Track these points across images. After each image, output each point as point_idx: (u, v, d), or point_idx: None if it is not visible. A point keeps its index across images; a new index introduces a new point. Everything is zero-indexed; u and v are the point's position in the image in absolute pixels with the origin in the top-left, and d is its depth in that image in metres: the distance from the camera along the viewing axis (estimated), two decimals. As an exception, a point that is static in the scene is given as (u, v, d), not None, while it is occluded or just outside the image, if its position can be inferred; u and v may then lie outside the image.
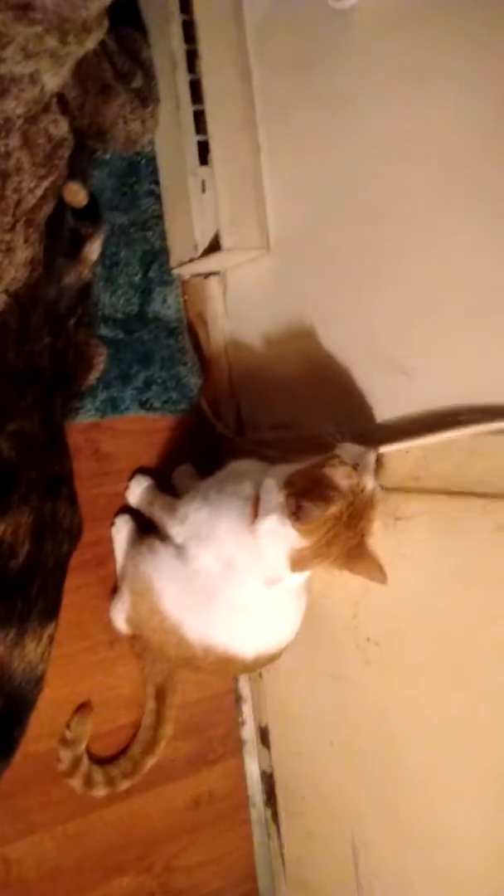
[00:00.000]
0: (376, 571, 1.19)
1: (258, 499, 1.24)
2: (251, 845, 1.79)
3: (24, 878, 1.51)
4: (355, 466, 1.17)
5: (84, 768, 1.53)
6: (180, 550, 1.36)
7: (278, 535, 1.19)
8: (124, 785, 1.57)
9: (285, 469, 1.24)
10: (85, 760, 1.54)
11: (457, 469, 1.16)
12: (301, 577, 1.30)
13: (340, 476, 1.16)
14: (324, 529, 1.17)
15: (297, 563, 1.21)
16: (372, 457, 1.20)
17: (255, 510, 1.23)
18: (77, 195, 1.39)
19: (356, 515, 1.18)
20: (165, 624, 1.37)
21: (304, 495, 1.15)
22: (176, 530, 1.38)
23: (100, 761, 1.58)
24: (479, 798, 1.21)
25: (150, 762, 1.59)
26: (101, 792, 1.54)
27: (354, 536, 1.19)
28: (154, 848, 1.66)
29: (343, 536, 1.18)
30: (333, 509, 1.15)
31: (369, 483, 1.18)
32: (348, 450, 1.20)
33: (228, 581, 1.30)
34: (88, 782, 1.53)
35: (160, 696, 1.58)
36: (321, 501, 1.14)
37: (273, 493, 1.21)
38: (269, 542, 1.21)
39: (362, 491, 1.17)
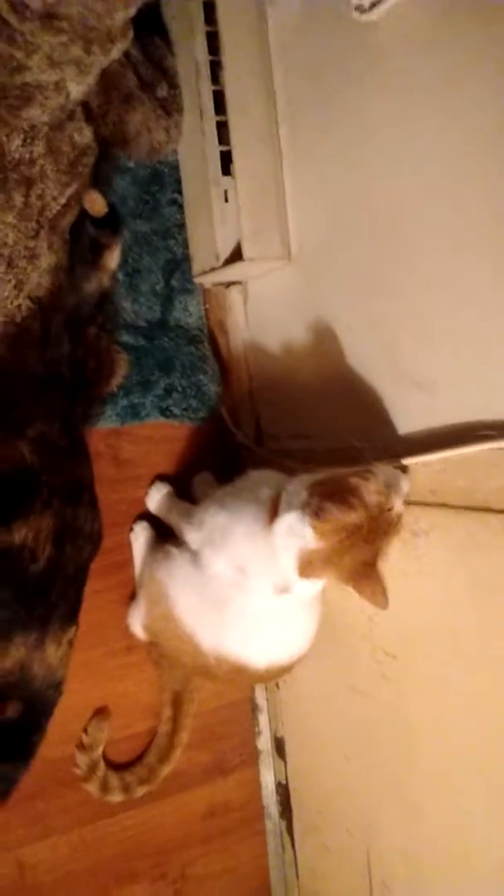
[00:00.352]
0: (379, 595, 1.17)
1: (276, 504, 1.23)
2: (265, 856, 1.78)
3: (39, 883, 1.52)
4: (387, 486, 1.17)
5: (100, 773, 1.53)
6: (195, 557, 1.36)
7: (295, 533, 1.18)
8: (140, 791, 1.57)
9: (311, 477, 1.23)
10: (101, 765, 1.54)
11: (475, 484, 1.15)
12: (312, 589, 1.29)
13: (370, 490, 1.16)
14: (340, 536, 1.15)
15: (307, 566, 1.19)
16: (405, 482, 1.20)
17: (272, 515, 1.23)
18: (96, 204, 1.40)
19: (376, 533, 1.16)
20: (179, 632, 1.37)
21: (329, 497, 1.14)
22: (192, 536, 1.39)
23: (116, 767, 1.58)
24: (498, 812, 1.20)
25: (167, 769, 1.59)
26: (117, 798, 1.55)
27: (368, 554, 1.17)
28: (169, 856, 1.66)
29: (357, 550, 1.16)
30: (353, 517, 1.14)
31: (398, 505, 1.17)
32: (384, 469, 1.19)
33: (240, 588, 1.29)
34: (104, 787, 1.54)
35: (177, 703, 1.58)
36: (344, 505, 1.13)
37: (297, 494, 1.20)
38: (285, 540, 1.20)
39: (388, 511, 1.17)
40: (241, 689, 1.75)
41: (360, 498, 1.15)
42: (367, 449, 1.24)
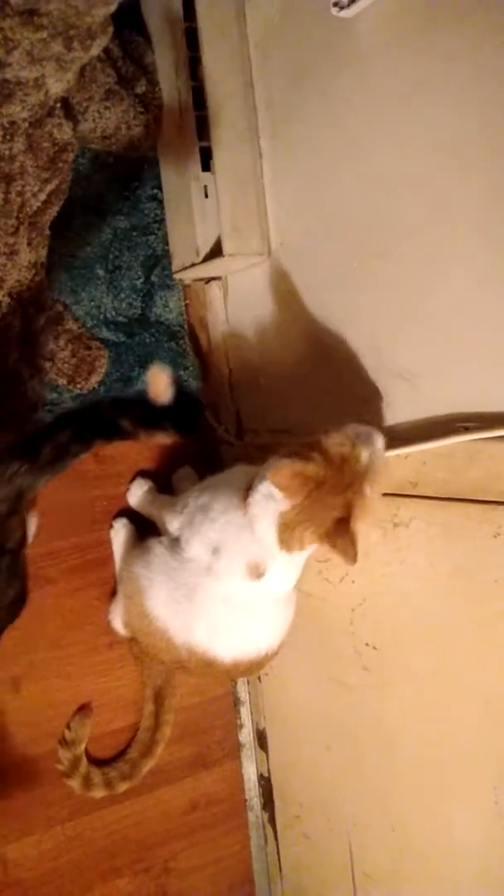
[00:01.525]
0: (350, 550, 1.16)
1: (251, 487, 1.26)
2: (248, 849, 1.79)
3: (22, 879, 1.52)
4: (353, 439, 1.18)
5: (83, 769, 1.53)
6: (175, 542, 1.38)
7: (268, 499, 1.22)
8: (122, 787, 1.57)
9: None
10: (84, 761, 1.54)
11: (455, 475, 1.16)
12: (281, 580, 1.31)
13: (331, 442, 1.17)
14: (306, 490, 1.17)
15: (284, 531, 1.22)
16: (377, 436, 1.20)
17: (248, 495, 1.26)
18: (158, 383, 1.34)
19: (345, 484, 1.16)
20: (153, 627, 1.38)
21: (288, 455, 1.17)
22: (174, 521, 1.40)
23: (98, 763, 1.58)
24: (476, 803, 1.22)
25: (149, 765, 1.59)
26: (99, 793, 1.55)
27: (339, 508, 1.17)
28: (151, 850, 1.67)
29: (328, 503, 1.17)
30: (311, 468, 1.15)
31: (364, 454, 1.17)
32: (353, 426, 1.21)
33: (211, 573, 1.31)
34: (87, 783, 1.54)
35: (158, 699, 1.59)
36: (299, 458, 1.16)
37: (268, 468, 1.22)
38: (261, 509, 1.23)
39: (356, 461, 1.17)
40: (223, 683, 1.76)
41: (319, 450, 1.17)
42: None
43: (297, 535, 1.21)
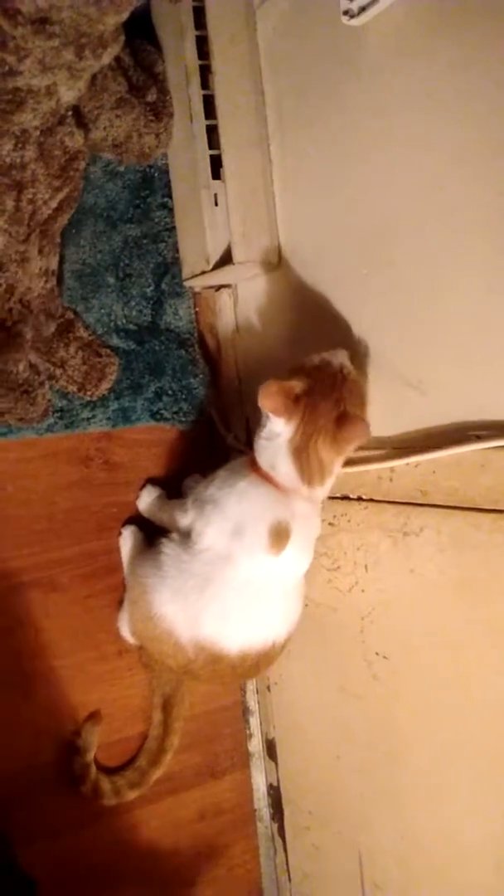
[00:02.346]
0: (360, 428, 1.24)
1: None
2: (257, 859, 1.78)
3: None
4: (328, 356, 1.29)
5: (92, 777, 1.53)
6: (185, 537, 1.38)
7: (272, 439, 1.29)
8: (131, 795, 1.56)
9: None
10: (93, 769, 1.54)
11: (465, 484, 1.16)
12: (303, 556, 1.34)
13: (302, 364, 1.29)
14: (299, 406, 1.25)
15: (299, 455, 1.27)
16: (339, 349, 1.30)
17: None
18: None
19: (328, 386, 1.25)
20: (158, 629, 1.37)
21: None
22: (185, 517, 1.41)
23: (107, 771, 1.58)
24: (487, 813, 1.21)
25: (157, 773, 1.59)
26: (109, 801, 1.55)
27: (335, 407, 1.25)
28: (160, 860, 1.66)
29: (323, 409, 1.24)
30: (295, 382, 1.24)
31: (334, 360, 1.28)
32: (315, 353, 1.31)
33: (230, 557, 1.31)
34: (96, 791, 1.53)
35: (167, 707, 1.58)
36: (283, 379, 1.25)
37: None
38: (269, 453, 1.29)
39: (329, 366, 1.27)
40: (232, 692, 1.75)
41: (300, 368, 1.28)
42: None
43: (313, 454, 1.26)
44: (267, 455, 1.30)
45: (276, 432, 1.28)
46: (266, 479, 1.30)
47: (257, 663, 1.40)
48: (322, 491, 1.31)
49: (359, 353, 1.33)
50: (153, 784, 1.59)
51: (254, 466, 1.32)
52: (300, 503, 1.30)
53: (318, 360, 1.28)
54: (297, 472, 1.28)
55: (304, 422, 1.25)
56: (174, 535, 1.43)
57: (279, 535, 1.28)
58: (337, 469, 1.30)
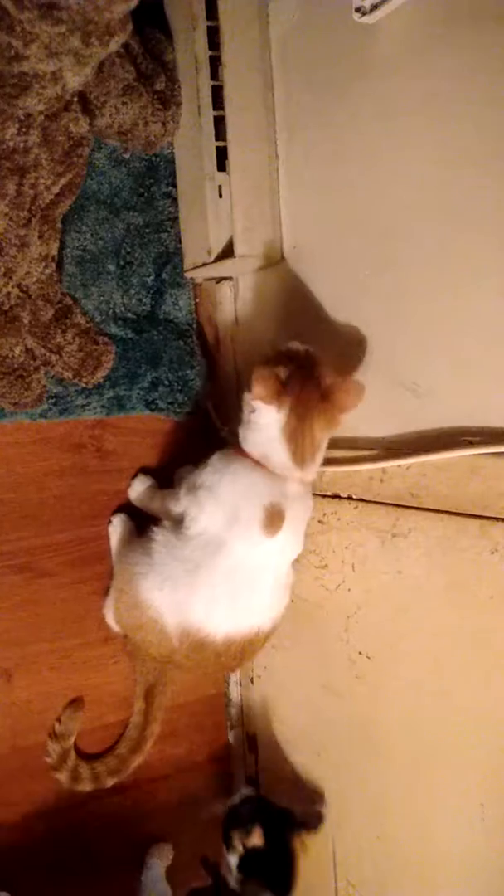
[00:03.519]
0: (353, 387, 1.25)
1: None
2: (233, 851, 1.79)
3: (11, 872, 1.52)
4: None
5: (71, 763, 1.54)
6: (177, 523, 1.39)
7: (262, 422, 1.29)
8: (110, 782, 1.57)
9: None
10: (72, 755, 1.55)
11: (455, 489, 1.16)
12: (289, 555, 1.35)
13: (271, 352, 1.33)
14: (287, 393, 1.26)
15: (292, 437, 1.28)
16: (294, 341, 1.34)
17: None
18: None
19: (306, 369, 1.28)
20: (144, 618, 1.38)
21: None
22: (177, 505, 1.41)
23: (87, 757, 1.59)
24: (463, 817, 1.21)
25: (137, 761, 1.59)
26: (86, 787, 1.55)
27: (318, 384, 1.27)
28: (137, 848, 1.66)
29: (309, 387, 1.27)
30: (280, 369, 1.26)
31: (296, 346, 1.32)
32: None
33: (222, 542, 1.32)
34: (75, 777, 1.54)
35: (149, 695, 1.58)
36: (268, 366, 1.27)
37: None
38: (259, 436, 1.31)
39: (295, 351, 1.31)
40: (216, 683, 1.76)
41: (273, 358, 1.30)
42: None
43: (308, 435, 1.28)
44: (258, 445, 1.31)
45: (266, 422, 1.29)
46: (257, 463, 1.32)
47: (241, 651, 1.40)
48: (314, 469, 1.33)
49: (356, 353, 1.33)
50: (133, 772, 1.60)
51: (243, 453, 1.34)
52: (292, 485, 1.32)
53: (284, 349, 1.32)
54: (290, 455, 1.29)
55: (294, 406, 1.26)
56: (165, 523, 1.43)
57: (273, 517, 1.29)
58: (325, 445, 1.32)
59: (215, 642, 1.36)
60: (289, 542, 1.34)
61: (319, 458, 1.32)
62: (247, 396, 1.30)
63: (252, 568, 1.34)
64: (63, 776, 1.53)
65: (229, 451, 1.38)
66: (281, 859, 1.43)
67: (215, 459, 1.38)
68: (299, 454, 1.29)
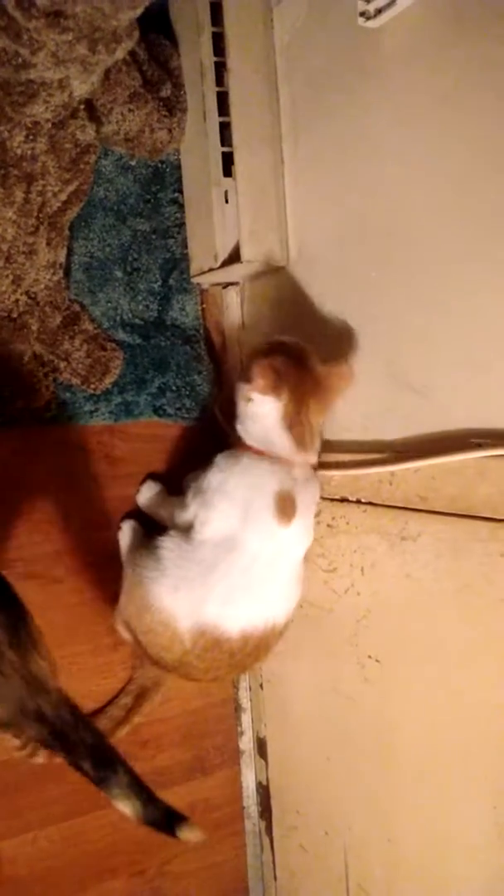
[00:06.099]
0: (343, 370, 1.32)
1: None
2: (244, 856, 1.79)
3: (17, 877, 1.52)
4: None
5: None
6: (186, 529, 1.39)
7: (261, 412, 1.32)
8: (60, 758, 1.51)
9: None
10: None
11: (464, 491, 1.16)
12: (302, 544, 1.37)
13: (265, 343, 1.38)
14: (285, 383, 1.29)
15: (292, 423, 1.32)
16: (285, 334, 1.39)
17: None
18: None
19: (296, 358, 1.32)
20: (155, 622, 1.37)
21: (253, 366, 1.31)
22: (185, 512, 1.41)
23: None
24: (474, 818, 1.21)
25: None
26: (39, 759, 1.48)
27: (310, 371, 1.32)
28: (148, 853, 1.66)
29: (302, 375, 1.31)
30: (277, 358, 1.30)
31: (285, 338, 1.37)
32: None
33: (236, 540, 1.32)
34: (32, 751, 1.48)
35: (139, 698, 1.57)
36: (266, 358, 1.30)
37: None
38: (259, 427, 1.34)
39: (284, 343, 1.35)
40: (225, 687, 1.75)
41: (265, 350, 1.33)
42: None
43: (305, 422, 1.32)
44: (259, 435, 1.35)
45: (265, 412, 1.32)
46: (261, 453, 1.35)
47: (256, 648, 1.40)
48: (315, 451, 1.36)
49: (364, 356, 1.33)
50: (142, 778, 1.59)
51: (245, 447, 1.37)
52: (298, 470, 1.35)
53: (276, 341, 1.36)
54: (293, 442, 1.32)
55: (291, 394, 1.30)
56: (172, 533, 1.42)
57: (286, 504, 1.31)
58: (321, 430, 1.37)
59: (231, 640, 1.35)
60: (302, 528, 1.35)
61: (318, 442, 1.36)
62: (244, 388, 1.33)
63: (268, 560, 1.34)
64: (23, 752, 1.47)
65: (232, 451, 1.39)
66: None
67: (220, 460, 1.39)
68: (300, 439, 1.33)
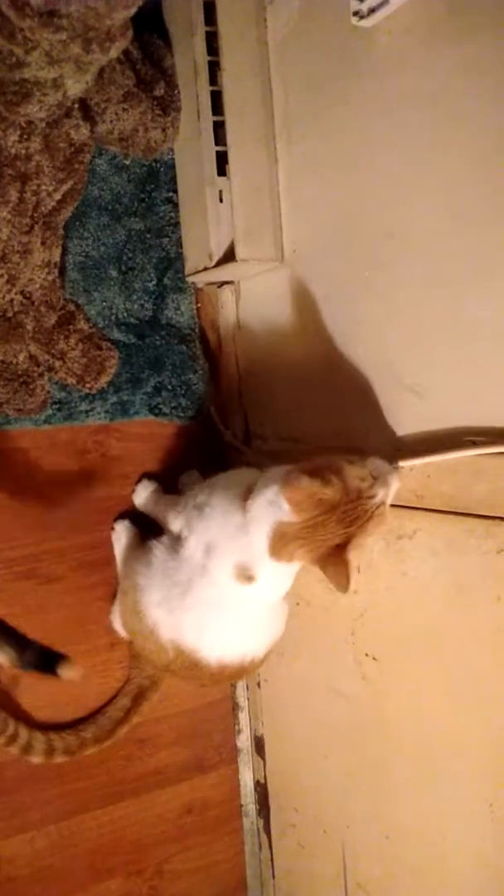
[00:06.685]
0: (343, 579, 1.15)
1: (252, 489, 1.25)
2: (242, 855, 1.79)
3: (16, 876, 1.52)
4: (373, 475, 1.16)
5: (25, 734, 1.48)
6: (175, 542, 1.38)
7: (272, 504, 1.18)
8: (59, 759, 1.50)
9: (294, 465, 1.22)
10: (23, 732, 1.48)
11: (461, 490, 1.16)
12: (271, 585, 1.29)
13: (352, 474, 1.15)
14: (315, 512, 1.14)
15: (279, 541, 1.19)
16: (395, 478, 1.18)
17: (248, 496, 1.25)
18: None
19: (352, 518, 1.15)
20: (143, 625, 1.37)
21: (308, 472, 1.14)
22: (175, 520, 1.40)
23: (43, 728, 1.53)
24: (472, 818, 1.21)
25: (92, 750, 1.54)
26: (37, 759, 1.48)
27: (341, 538, 1.16)
28: (145, 852, 1.67)
29: (331, 530, 1.15)
30: (329, 492, 1.12)
31: (380, 494, 1.16)
32: (374, 460, 1.19)
33: (205, 571, 1.30)
34: (27, 748, 1.47)
35: (137, 698, 1.58)
36: (319, 479, 1.12)
37: (277, 474, 1.21)
38: (261, 512, 1.20)
39: (370, 499, 1.15)
40: (222, 688, 1.75)
41: (340, 477, 1.14)
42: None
43: (290, 549, 1.19)
44: (257, 513, 1.22)
45: (278, 507, 1.18)
46: (248, 522, 1.24)
47: (236, 674, 1.40)
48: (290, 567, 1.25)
49: (359, 355, 1.33)
50: (141, 776, 1.60)
51: (246, 503, 1.25)
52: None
53: (367, 485, 1.16)
54: (269, 545, 1.21)
55: (306, 525, 1.16)
56: (164, 539, 1.42)
57: (244, 572, 1.26)
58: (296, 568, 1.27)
59: (209, 665, 1.36)
60: (268, 585, 1.29)
61: (294, 569, 1.27)
62: (288, 471, 1.19)
63: (235, 602, 1.31)
64: (14, 748, 1.46)
65: (240, 474, 1.34)
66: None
67: (221, 486, 1.33)
68: (274, 552, 1.21)
